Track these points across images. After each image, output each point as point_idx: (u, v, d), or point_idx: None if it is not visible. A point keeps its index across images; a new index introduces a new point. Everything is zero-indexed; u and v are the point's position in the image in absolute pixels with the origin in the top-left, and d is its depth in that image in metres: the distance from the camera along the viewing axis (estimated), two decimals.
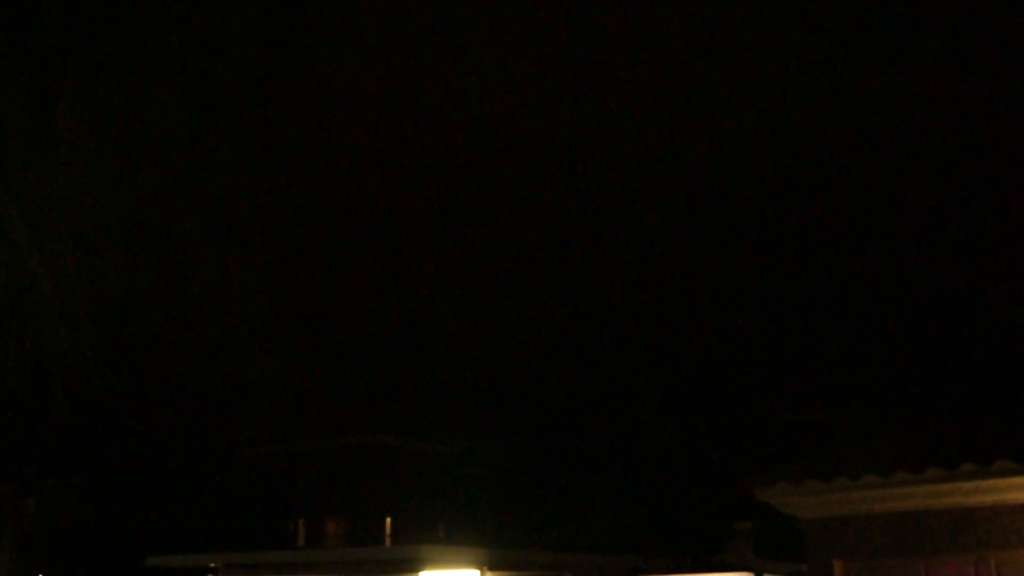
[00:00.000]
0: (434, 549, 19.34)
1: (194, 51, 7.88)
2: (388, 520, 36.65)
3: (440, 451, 34.65)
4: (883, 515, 10.32)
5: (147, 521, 30.01)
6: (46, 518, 34.78)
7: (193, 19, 7.88)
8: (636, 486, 16.48)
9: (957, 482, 9.82)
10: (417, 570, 17.86)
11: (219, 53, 8.02)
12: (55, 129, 7.50)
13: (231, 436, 36.04)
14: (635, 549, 17.54)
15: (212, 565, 20.84)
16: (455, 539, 26.91)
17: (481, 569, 18.52)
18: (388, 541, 35.09)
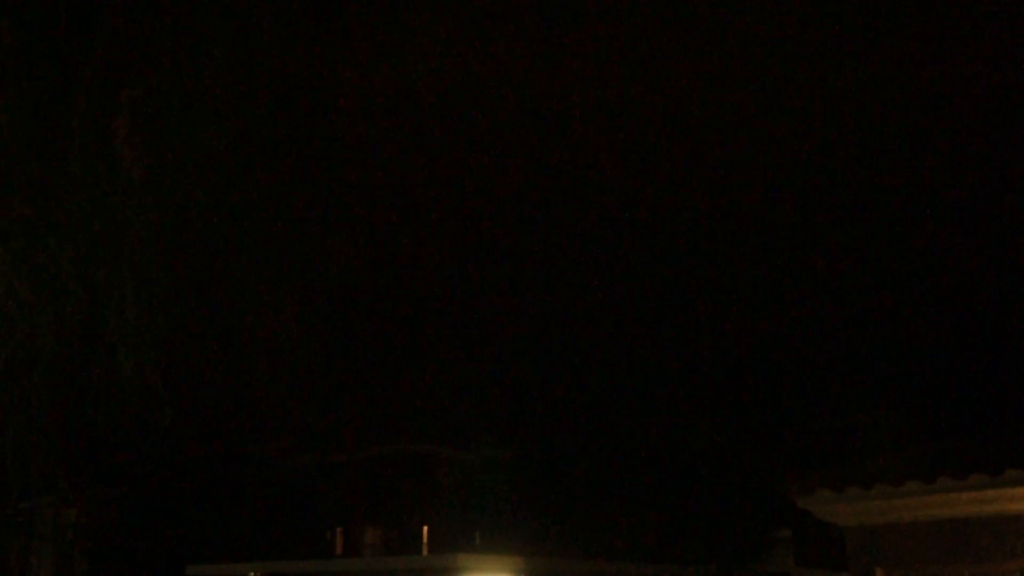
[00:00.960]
0: (471, 557, 19.32)
1: (240, 78, 7.95)
2: (425, 528, 36.69)
3: (476, 458, 34.65)
4: (926, 522, 10.19)
5: (186, 530, 30.17)
6: (87, 528, 35.08)
7: (237, 42, 7.93)
8: (674, 493, 16.37)
9: (1001, 488, 9.68)
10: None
11: (261, 81, 8.08)
12: (111, 160, 7.59)
13: (269, 446, 36.21)
14: (673, 558, 17.40)
15: (251, 574, 20.92)
16: (492, 547, 26.87)
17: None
18: (425, 550, 35.12)
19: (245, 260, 8.43)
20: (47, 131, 7.58)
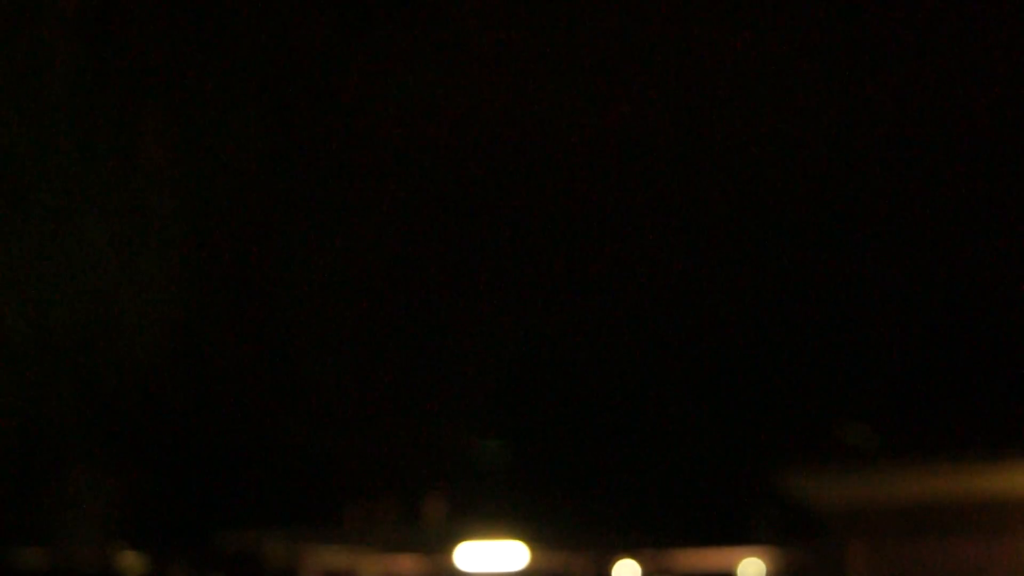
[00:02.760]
0: (479, 523, 19.51)
1: (269, 78, 8.28)
2: (433, 499, 37.22)
3: (483, 445, 35.04)
4: (903, 498, 10.47)
5: (210, 500, 30.79)
6: (125, 498, 35.70)
7: (268, 42, 8.25)
8: (652, 474, 16.80)
9: (979, 466, 9.96)
10: (462, 543, 18.11)
11: (291, 77, 8.41)
12: (140, 155, 7.94)
13: (281, 418, 36.81)
14: (655, 543, 17.81)
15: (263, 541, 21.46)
16: (500, 516, 27.27)
17: (526, 542, 18.67)
18: (433, 521, 35.61)
19: (275, 256, 8.84)
20: (77, 123, 7.92)
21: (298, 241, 9.31)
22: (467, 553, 18.24)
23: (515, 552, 18.41)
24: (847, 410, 10.81)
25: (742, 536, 13.48)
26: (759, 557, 13.73)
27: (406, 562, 16.69)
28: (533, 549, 18.18)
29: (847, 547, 10.67)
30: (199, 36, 8.26)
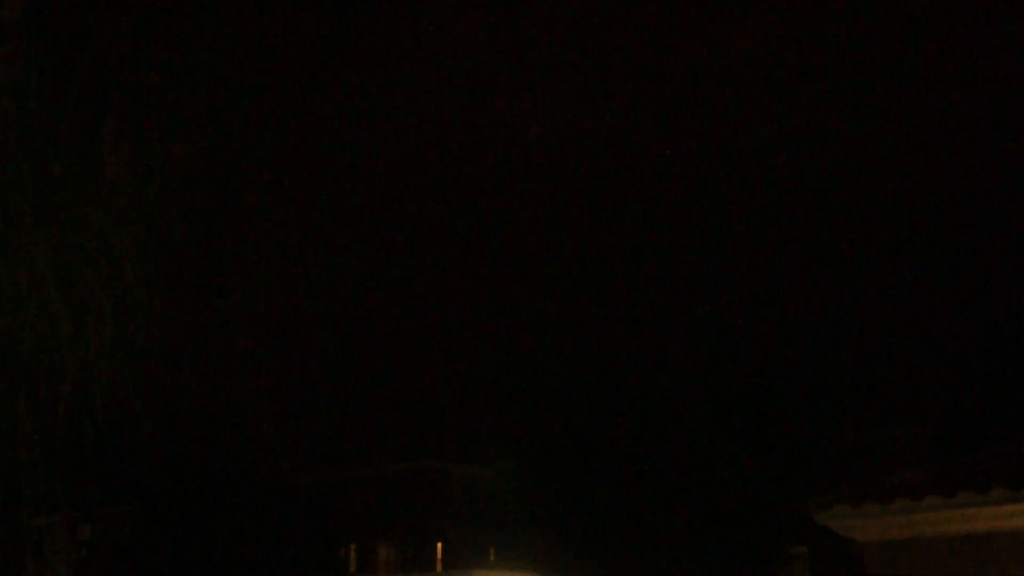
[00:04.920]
0: (486, 574, 19.20)
1: (234, 87, 7.86)
2: (439, 545, 36.52)
3: (489, 474, 34.51)
4: (946, 538, 10.07)
5: (200, 546, 30.12)
6: (101, 544, 35.07)
7: (233, 50, 7.85)
8: (689, 509, 16.27)
9: (1022, 503, 9.59)
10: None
11: (254, 90, 8.00)
12: (96, 170, 7.50)
13: (283, 463, 36.17)
14: (689, 574, 17.26)
15: None
16: (506, 563, 26.72)
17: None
18: (439, 566, 34.96)
19: (241, 273, 8.34)
20: (35, 138, 7.52)
21: (278, 267, 8.73)
22: None
23: None
24: (890, 450, 10.34)
25: (778, 572, 12.86)
26: None
27: None
28: None
29: None
30: (159, 53, 7.84)
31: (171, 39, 7.78)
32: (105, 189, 7.37)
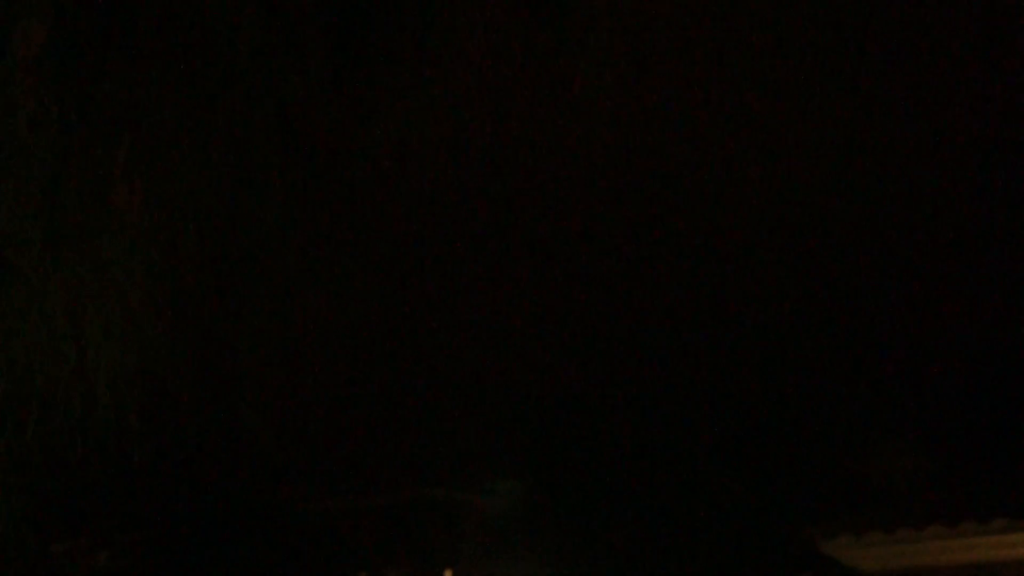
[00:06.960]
0: None
1: (244, 119, 7.97)
2: (449, 573, 36.47)
3: (499, 502, 34.51)
4: (948, 567, 10.13)
5: (212, 574, 30.15)
6: (118, 571, 35.08)
7: (244, 84, 7.96)
8: (694, 536, 16.34)
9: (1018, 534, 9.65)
10: None
11: (265, 123, 8.11)
12: (108, 202, 7.61)
13: (290, 491, 36.22)
14: None
15: None
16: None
17: None
18: None
19: (245, 304, 8.45)
20: (47, 168, 7.62)
21: (278, 298, 8.84)
22: None
23: None
24: (891, 475, 10.41)
25: None
26: None
27: None
28: None
29: None
30: (165, 83, 7.96)
31: (185, 69, 7.89)
32: (115, 219, 7.49)
